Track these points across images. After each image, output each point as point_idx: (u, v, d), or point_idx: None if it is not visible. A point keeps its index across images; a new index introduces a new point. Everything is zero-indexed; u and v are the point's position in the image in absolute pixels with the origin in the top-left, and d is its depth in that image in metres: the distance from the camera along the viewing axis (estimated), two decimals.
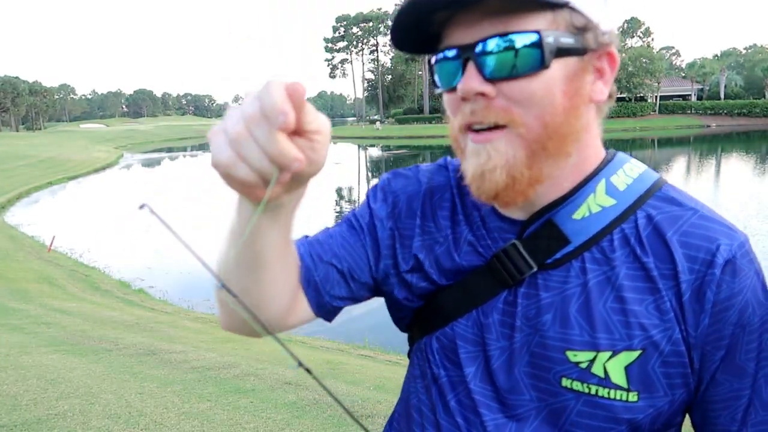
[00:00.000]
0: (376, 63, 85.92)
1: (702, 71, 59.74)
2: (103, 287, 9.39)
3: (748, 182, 19.73)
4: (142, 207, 0.49)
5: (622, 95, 54.62)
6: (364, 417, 3.46)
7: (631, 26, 72.86)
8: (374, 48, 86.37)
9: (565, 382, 0.70)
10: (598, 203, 0.72)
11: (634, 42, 70.95)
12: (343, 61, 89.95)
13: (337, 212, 16.66)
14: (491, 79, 0.65)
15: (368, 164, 32.92)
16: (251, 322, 0.59)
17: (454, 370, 0.77)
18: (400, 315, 0.87)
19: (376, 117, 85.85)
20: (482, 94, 0.65)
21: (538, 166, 0.67)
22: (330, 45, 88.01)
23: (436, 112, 61.94)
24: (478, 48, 0.65)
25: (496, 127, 0.66)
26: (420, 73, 75.37)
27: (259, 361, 4.89)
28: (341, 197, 20.30)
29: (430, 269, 0.80)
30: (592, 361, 0.68)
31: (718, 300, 0.66)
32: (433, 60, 0.71)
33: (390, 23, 0.70)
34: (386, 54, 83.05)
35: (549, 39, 0.64)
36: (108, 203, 19.00)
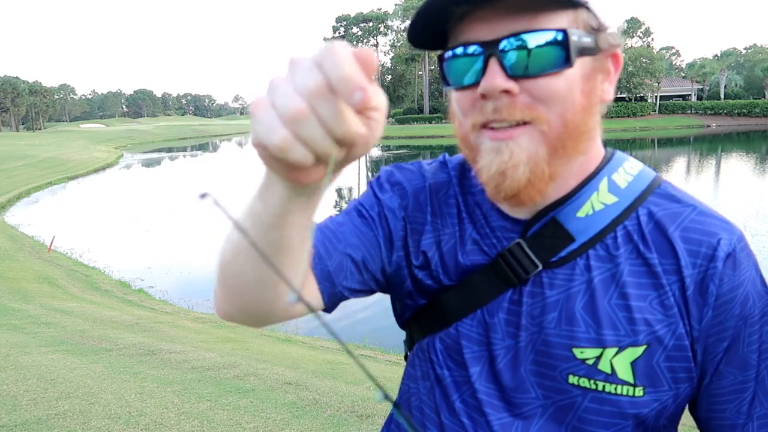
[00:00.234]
0: None
1: (702, 71, 59.80)
2: (103, 287, 9.38)
3: (748, 182, 19.72)
4: (203, 196, 0.43)
5: (622, 95, 54.70)
6: (364, 417, 3.46)
7: (631, 26, 72.81)
8: (374, 48, 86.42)
9: (572, 379, 0.70)
10: (601, 201, 0.73)
11: (634, 42, 70.89)
12: None
13: (337, 213, 16.53)
14: (513, 76, 0.64)
15: (368, 164, 32.95)
16: (330, 331, 0.48)
17: (459, 371, 0.77)
18: (402, 310, 0.86)
19: None
20: (506, 92, 0.65)
21: (555, 164, 0.68)
22: None
23: (436, 112, 61.79)
24: (503, 45, 0.64)
25: (516, 124, 0.66)
26: (420, 73, 75.27)
27: (259, 361, 4.88)
28: (341, 197, 20.29)
29: (437, 268, 0.79)
30: (598, 358, 0.69)
31: (720, 293, 0.67)
32: (444, 56, 0.69)
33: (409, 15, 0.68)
34: (386, 54, 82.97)
35: (574, 37, 0.64)
36: (108, 203, 19.00)
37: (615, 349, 0.68)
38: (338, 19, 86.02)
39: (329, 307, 0.79)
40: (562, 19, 0.64)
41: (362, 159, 39.60)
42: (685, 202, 0.73)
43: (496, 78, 0.64)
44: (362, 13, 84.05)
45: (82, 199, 21.14)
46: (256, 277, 0.62)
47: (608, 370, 0.69)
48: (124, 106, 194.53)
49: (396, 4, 75.89)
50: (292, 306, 0.70)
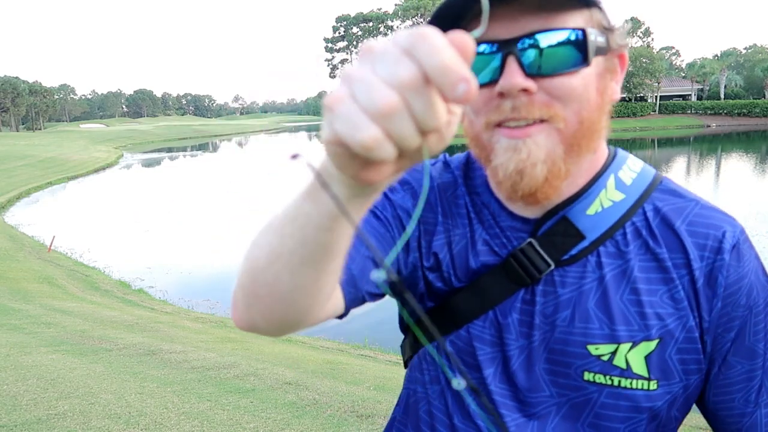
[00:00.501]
0: None
1: (702, 71, 59.80)
2: (103, 287, 9.39)
3: (748, 182, 19.72)
4: (295, 157, 0.40)
5: (622, 95, 54.49)
6: (364, 417, 3.46)
7: (631, 26, 72.84)
8: None
9: (588, 376, 0.71)
10: (609, 198, 0.73)
11: (634, 42, 70.86)
12: (343, 61, 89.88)
13: None
14: (531, 75, 0.64)
15: None
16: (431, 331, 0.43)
17: (472, 373, 0.76)
18: (411, 314, 0.84)
19: None
20: (524, 90, 0.64)
21: (570, 162, 0.68)
22: (330, 45, 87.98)
23: None
24: (522, 43, 0.63)
25: (533, 122, 0.66)
26: None
27: (259, 361, 4.88)
28: None
29: (448, 270, 0.79)
30: (613, 353, 0.70)
31: (728, 284, 0.69)
32: None
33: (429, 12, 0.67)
34: None
35: (592, 37, 0.64)
36: (108, 203, 18.99)
37: (629, 345, 0.69)
38: (338, 19, 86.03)
39: (345, 314, 0.75)
40: (577, 19, 0.65)
41: None
42: (687, 197, 0.75)
43: (515, 77, 0.63)
44: (362, 13, 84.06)
45: (82, 199, 21.14)
46: (294, 284, 0.57)
47: (623, 365, 0.69)
48: (124, 106, 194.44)
49: (396, 4, 75.92)
50: (318, 310, 0.64)
